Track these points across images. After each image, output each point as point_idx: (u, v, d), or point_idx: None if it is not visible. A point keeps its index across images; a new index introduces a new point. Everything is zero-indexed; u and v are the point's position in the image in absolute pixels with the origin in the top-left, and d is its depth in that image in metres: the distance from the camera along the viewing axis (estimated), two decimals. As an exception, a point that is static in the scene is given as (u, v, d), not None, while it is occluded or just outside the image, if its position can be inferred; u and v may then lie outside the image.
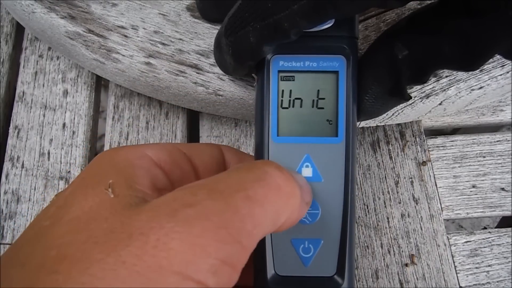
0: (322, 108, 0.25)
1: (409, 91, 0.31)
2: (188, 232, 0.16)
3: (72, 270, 0.15)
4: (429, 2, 0.24)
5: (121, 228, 0.16)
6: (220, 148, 0.26)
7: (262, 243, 0.24)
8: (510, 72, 0.32)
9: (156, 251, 0.16)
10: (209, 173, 0.25)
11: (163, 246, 0.16)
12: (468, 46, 0.22)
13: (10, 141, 0.37)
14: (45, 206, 0.35)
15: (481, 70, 0.32)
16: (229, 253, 0.17)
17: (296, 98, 0.25)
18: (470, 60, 0.22)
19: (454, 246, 0.34)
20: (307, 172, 0.24)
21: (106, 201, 0.18)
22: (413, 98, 0.32)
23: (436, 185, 0.36)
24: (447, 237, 0.34)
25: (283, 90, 0.25)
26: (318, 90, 0.25)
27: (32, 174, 0.36)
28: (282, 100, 0.25)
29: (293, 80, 0.25)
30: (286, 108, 0.25)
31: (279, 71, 0.25)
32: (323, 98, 0.25)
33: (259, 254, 0.24)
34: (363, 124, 0.35)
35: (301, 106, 0.25)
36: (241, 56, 0.25)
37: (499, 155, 0.36)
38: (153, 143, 0.23)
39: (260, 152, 0.25)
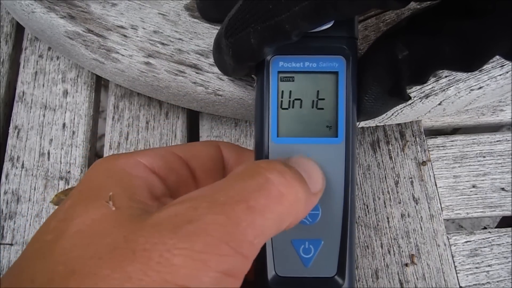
0: (322, 108, 0.25)
1: (408, 91, 0.31)
2: (190, 248, 0.17)
3: (81, 285, 0.16)
4: (429, 3, 0.24)
5: (125, 244, 0.17)
6: (218, 145, 0.26)
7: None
8: (510, 72, 0.32)
9: (160, 267, 0.16)
10: (207, 174, 0.25)
11: (166, 262, 0.16)
12: (468, 46, 0.22)
13: (10, 141, 0.37)
14: (44, 206, 0.35)
15: (480, 70, 0.32)
16: (231, 265, 0.17)
17: (296, 99, 0.25)
18: (470, 61, 0.22)
19: (454, 246, 0.34)
20: None
21: (108, 215, 0.18)
22: (412, 98, 0.32)
23: (436, 185, 0.35)
24: (447, 237, 0.34)
25: (282, 91, 0.25)
26: (318, 91, 0.25)
27: (32, 174, 0.36)
28: (282, 101, 0.25)
29: (293, 80, 0.25)
30: (286, 108, 0.25)
31: (279, 72, 0.25)
32: (323, 99, 0.25)
33: (259, 255, 0.24)
34: (363, 124, 0.35)
35: (301, 107, 0.25)
36: (242, 57, 0.25)
37: (499, 155, 0.36)
38: (147, 150, 0.24)
39: (260, 153, 0.25)
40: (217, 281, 0.17)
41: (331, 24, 0.25)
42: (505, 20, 0.20)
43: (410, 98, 0.25)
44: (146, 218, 0.18)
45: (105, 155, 0.37)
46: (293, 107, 0.25)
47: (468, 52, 0.22)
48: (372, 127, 0.37)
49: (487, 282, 0.33)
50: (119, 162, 0.22)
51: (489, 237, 0.34)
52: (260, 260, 0.24)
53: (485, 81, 0.32)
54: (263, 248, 0.24)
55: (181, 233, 0.17)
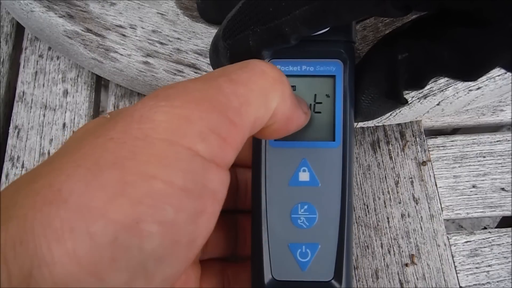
0: (319, 112, 0.25)
1: (406, 92, 0.31)
2: (170, 105, 0.17)
3: (66, 154, 0.17)
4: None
5: (110, 119, 0.18)
6: None
7: (259, 247, 0.24)
8: (508, 73, 0.32)
9: (141, 124, 0.17)
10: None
11: (147, 119, 0.17)
12: (468, 55, 0.21)
13: (10, 141, 0.37)
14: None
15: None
16: (216, 122, 0.17)
17: None
18: (469, 70, 0.22)
19: (454, 246, 0.34)
20: (304, 176, 0.24)
21: (102, 118, 0.20)
22: (411, 99, 0.31)
23: (436, 185, 0.35)
24: (447, 237, 0.34)
25: None
26: (315, 95, 0.25)
27: (32, 174, 0.36)
28: None
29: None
30: None
31: None
32: (320, 103, 0.25)
33: (256, 258, 0.24)
34: (362, 124, 0.34)
35: None
36: (239, 59, 0.25)
37: (499, 155, 0.36)
38: None
39: (257, 156, 0.25)
40: (203, 136, 0.17)
41: (329, 28, 0.25)
42: (506, 31, 0.20)
43: (406, 102, 0.25)
44: None
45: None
46: None
47: (468, 60, 0.22)
48: (372, 127, 0.37)
49: (487, 282, 0.33)
50: None
51: (489, 237, 0.34)
52: (257, 264, 0.24)
53: (483, 81, 0.32)
54: (260, 252, 0.24)
55: (161, 96, 0.17)
